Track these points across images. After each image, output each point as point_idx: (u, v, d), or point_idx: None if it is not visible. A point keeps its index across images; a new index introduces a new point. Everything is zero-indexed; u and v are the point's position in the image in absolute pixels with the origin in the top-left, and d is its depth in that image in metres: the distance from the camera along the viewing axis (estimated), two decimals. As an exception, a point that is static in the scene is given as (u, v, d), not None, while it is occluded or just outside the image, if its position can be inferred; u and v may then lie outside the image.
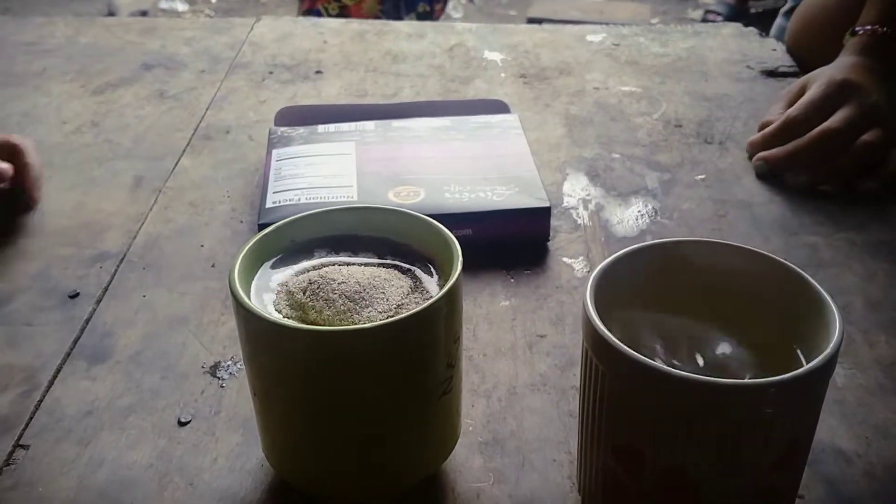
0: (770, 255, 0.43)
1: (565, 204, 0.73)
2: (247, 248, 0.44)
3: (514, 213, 0.66)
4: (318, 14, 2.15)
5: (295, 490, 0.46)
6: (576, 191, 0.75)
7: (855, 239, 0.68)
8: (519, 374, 0.55)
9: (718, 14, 3.47)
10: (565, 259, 0.66)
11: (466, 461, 0.49)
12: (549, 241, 0.67)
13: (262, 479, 0.47)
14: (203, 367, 0.55)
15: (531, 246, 0.67)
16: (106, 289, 0.62)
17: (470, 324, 0.59)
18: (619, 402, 0.39)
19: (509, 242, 0.66)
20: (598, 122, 0.86)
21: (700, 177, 0.76)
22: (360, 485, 0.44)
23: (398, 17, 2.15)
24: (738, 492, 0.39)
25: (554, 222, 0.69)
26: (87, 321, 0.59)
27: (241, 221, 0.70)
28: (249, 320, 0.40)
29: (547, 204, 0.66)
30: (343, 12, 2.16)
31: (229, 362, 0.55)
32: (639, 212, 0.71)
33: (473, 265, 0.63)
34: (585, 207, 0.72)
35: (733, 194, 0.73)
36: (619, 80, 0.95)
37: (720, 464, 0.38)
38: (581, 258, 0.66)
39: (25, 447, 0.50)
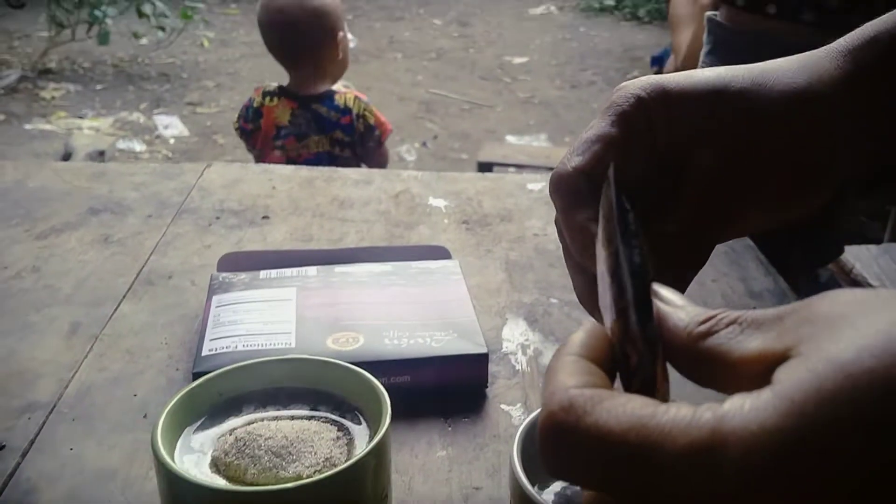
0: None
1: (504, 349, 0.73)
2: (171, 404, 0.44)
3: (453, 360, 0.66)
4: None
5: None
6: (515, 336, 0.75)
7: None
8: (454, 528, 0.54)
9: None
10: (503, 406, 0.66)
11: None
12: (487, 387, 0.68)
13: None
14: (128, 524, 0.54)
15: (470, 392, 0.67)
16: (32, 441, 0.61)
17: (406, 475, 0.58)
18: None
19: (448, 389, 0.66)
20: (538, 267, 0.88)
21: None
22: None
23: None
24: None
25: (493, 368, 0.69)
26: (11, 475, 0.57)
27: (177, 369, 0.69)
28: (171, 480, 0.40)
29: (485, 350, 0.67)
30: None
31: (156, 518, 0.54)
32: (577, 357, 0.72)
33: (411, 413, 0.63)
34: (524, 353, 0.73)
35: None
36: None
37: None
38: (519, 405, 0.66)
39: None
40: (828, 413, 0.23)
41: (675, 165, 0.42)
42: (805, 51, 0.44)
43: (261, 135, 2.14)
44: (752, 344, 0.26)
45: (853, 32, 0.44)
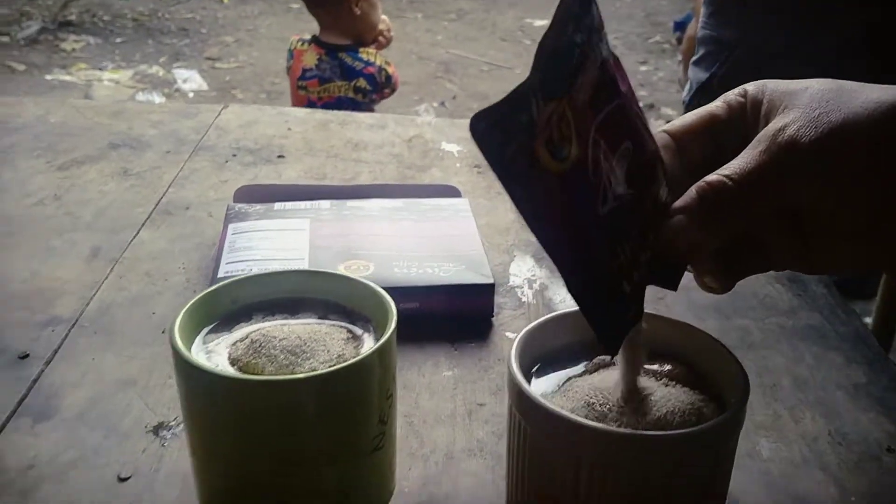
0: (686, 322, 0.46)
1: (511, 283, 0.75)
2: (188, 305, 0.46)
3: (460, 289, 0.68)
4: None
5: (228, 544, 0.47)
6: (522, 271, 0.77)
7: (784, 323, 0.71)
8: (457, 440, 0.56)
9: None
10: (508, 333, 0.68)
11: (399, 521, 0.50)
12: (493, 316, 0.70)
13: (196, 534, 0.48)
14: (146, 426, 0.56)
15: (476, 321, 0.69)
16: (56, 351, 0.63)
17: (413, 392, 0.61)
18: (539, 454, 0.40)
19: (455, 317, 0.68)
20: (548, 209, 0.90)
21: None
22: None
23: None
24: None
25: (499, 299, 0.72)
26: (35, 381, 0.60)
27: (194, 291, 0.71)
28: (189, 372, 0.42)
29: (491, 281, 0.69)
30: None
31: (172, 423, 0.56)
32: (581, 292, 0.74)
33: (419, 337, 0.65)
34: (530, 286, 0.75)
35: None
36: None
37: (634, 514, 0.39)
38: (523, 334, 0.68)
39: (-37, 500, 0.50)
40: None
41: None
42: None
43: (291, 74, 2.36)
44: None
45: None
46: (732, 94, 0.45)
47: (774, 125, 0.40)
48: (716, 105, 0.45)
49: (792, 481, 0.54)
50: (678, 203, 0.40)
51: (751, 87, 0.45)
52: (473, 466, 0.54)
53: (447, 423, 0.58)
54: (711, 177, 0.40)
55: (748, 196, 0.40)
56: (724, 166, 0.40)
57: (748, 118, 0.44)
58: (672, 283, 0.42)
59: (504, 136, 0.32)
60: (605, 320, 0.38)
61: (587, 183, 0.36)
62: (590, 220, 0.36)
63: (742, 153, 0.40)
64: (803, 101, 0.41)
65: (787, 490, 0.53)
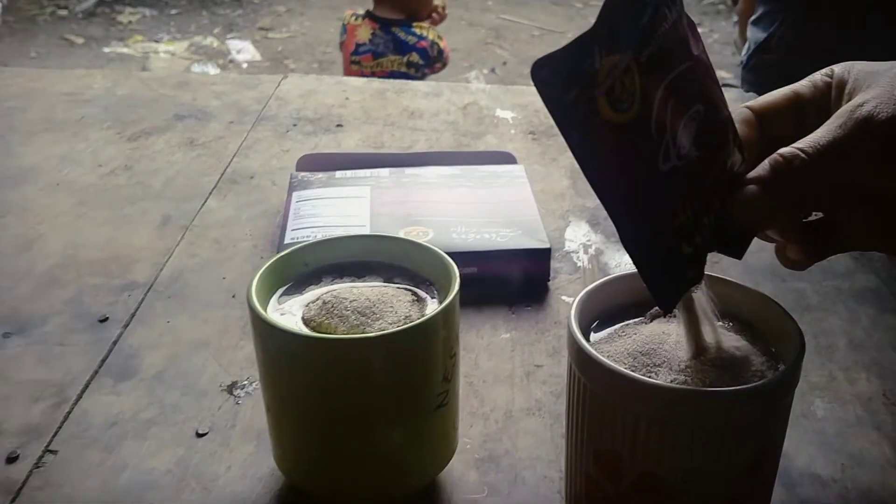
0: (743, 284, 0.47)
1: (566, 248, 0.77)
2: (264, 268, 0.48)
3: (517, 254, 0.70)
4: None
5: (302, 494, 0.50)
6: (577, 236, 0.79)
7: (841, 286, 0.71)
8: (516, 400, 0.58)
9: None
10: (564, 297, 0.70)
11: (463, 475, 0.52)
12: (549, 281, 0.71)
13: (272, 485, 0.51)
14: (221, 385, 0.59)
15: (532, 285, 0.71)
16: (133, 315, 0.67)
17: (472, 353, 0.63)
18: (598, 410, 0.42)
19: (512, 281, 0.70)
20: (603, 175, 0.91)
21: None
22: (362, 490, 0.48)
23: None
24: (709, 499, 0.42)
25: (555, 264, 0.73)
26: (115, 343, 0.64)
27: (262, 257, 0.74)
28: (266, 332, 0.44)
29: (547, 245, 0.70)
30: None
31: (245, 382, 0.59)
32: (636, 257, 0.75)
33: (477, 301, 0.67)
34: (585, 252, 0.76)
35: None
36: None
37: (690, 469, 0.41)
38: (579, 297, 0.70)
39: (54, 452, 0.53)
40: None
41: None
42: None
43: (344, 49, 2.38)
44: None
45: None
46: (819, 75, 0.46)
47: (853, 102, 0.41)
48: (801, 84, 0.46)
49: (846, 441, 0.55)
50: (751, 174, 0.41)
51: (837, 67, 0.45)
52: (532, 425, 0.56)
53: (506, 384, 0.60)
54: (785, 149, 0.41)
55: (820, 169, 0.40)
56: (800, 140, 0.41)
57: (833, 98, 0.44)
58: (737, 252, 0.44)
59: (565, 82, 0.33)
60: (659, 278, 0.39)
61: (648, 138, 0.36)
62: (648, 176, 0.37)
63: (819, 128, 0.41)
64: (885, 80, 0.41)
65: (841, 449, 0.54)
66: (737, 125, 0.43)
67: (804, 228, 0.45)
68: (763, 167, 0.41)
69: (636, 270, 0.38)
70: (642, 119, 0.36)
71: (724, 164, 0.41)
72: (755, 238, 0.45)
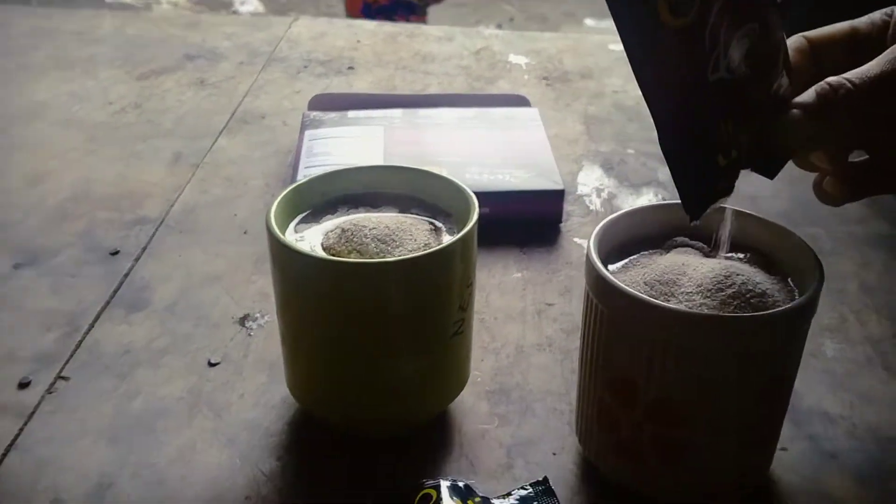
0: (762, 216, 0.47)
1: (579, 192, 0.76)
2: (282, 195, 0.48)
3: (530, 195, 0.70)
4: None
5: (313, 421, 0.50)
6: (590, 180, 0.78)
7: (854, 231, 0.71)
8: (527, 336, 0.58)
9: None
10: (576, 239, 0.69)
11: (474, 406, 0.52)
12: (562, 223, 0.71)
13: (284, 412, 0.51)
14: (233, 318, 0.59)
15: (545, 227, 0.71)
16: (144, 248, 0.67)
17: (483, 292, 0.63)
18: (614, 336, 0.42)
19: (524, 222, 0.70)
20: (616, 121, 0.90)
21: (710, 172, 0.80)
22: (377, 416, 0.48)
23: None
24: (723, 424, 0.42)
25: (568, 207, 0.73)
26: (126, 275, 0.64)
27: (273, 195, 0.74)
28: (286, 256, 0.44)
29: (561, 187, 0.70)
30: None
31: (258, 315, 0.60)
32: (649, 201, 0.75)
33: (489, 241, 0.67)
34: (598, 195, 0.76)
35: (740, 189, 0.77)
36: (637, 86, 0.99)
37: (704, 396, 0.41)
38: (591, 239, 0.69)
39: (66, 378, 0.54)
40: None
41: None
42: None
43: None
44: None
45: None
46: (878, 13, 0.46)
47: None
48: (860, 20, 0.46)
49: (856, 380, 0.55)
50: (797, 98, 0.42)
51: None
52: (543, 360, 0.56)
53: (517, 321, 0.60)
54: (833, 78, 0.41)
55: (865, 100, 0.40)
56: (850, 72, 0.41)
57: (890, 36, 0.44)
58: (770, 172, 0.44)
59: None
60: (691, 184, 0.39)
61: (700, 46, 0.37)
62: (696, 83, 0.37)
63: (870, 62, 0.41)
64: None
65: (851, 388, 0.54)
66: (791, 52, 0.43)
67: (848, 164, 0.45)
68: (809, 94, 0.41)
69: (654, 204, 0.39)
70: (698, 26, 0.36)
71: (770, 85, 0.42)
72: (769, 184, 0.45)
